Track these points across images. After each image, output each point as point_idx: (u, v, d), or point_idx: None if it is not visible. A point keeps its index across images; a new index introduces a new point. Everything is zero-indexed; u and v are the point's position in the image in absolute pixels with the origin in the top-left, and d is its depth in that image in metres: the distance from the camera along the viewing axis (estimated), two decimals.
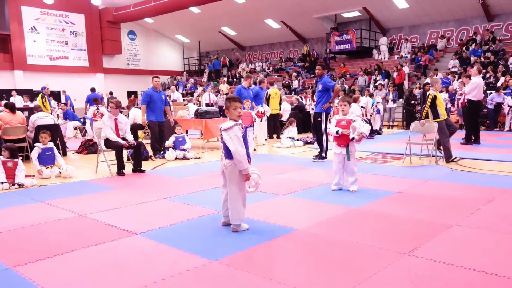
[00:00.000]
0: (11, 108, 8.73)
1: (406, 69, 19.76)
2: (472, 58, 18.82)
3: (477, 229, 4.00)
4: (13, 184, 6.44)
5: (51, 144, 7.55)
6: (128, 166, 7.75)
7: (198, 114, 11.15)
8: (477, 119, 10.85)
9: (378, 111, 14.90)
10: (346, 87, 19.53)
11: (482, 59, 18.41)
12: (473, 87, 10.45)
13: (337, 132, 5.61)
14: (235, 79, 26.85)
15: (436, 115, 7.91)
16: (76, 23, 27.14)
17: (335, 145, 5.76)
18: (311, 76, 23.61)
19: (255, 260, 3.35)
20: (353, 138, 5.57)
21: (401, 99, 17.75)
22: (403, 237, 3.81)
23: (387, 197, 5.35)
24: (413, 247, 3.52)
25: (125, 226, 4.28)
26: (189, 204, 5.16)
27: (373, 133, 13.48)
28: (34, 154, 7.33)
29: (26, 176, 6.85)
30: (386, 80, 19.68)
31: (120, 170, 7.27)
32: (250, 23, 26.50)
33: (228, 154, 3.94)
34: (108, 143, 7.38)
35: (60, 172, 7.32)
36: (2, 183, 6.36)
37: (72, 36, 27.07)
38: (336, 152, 5.74)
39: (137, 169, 7.50)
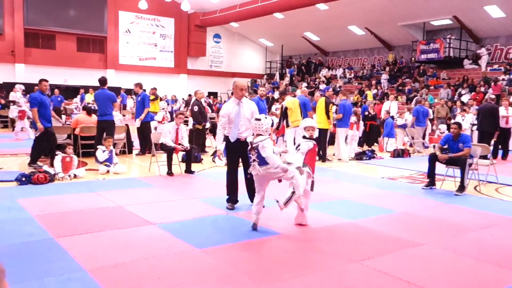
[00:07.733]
0: (88, 111, 10.60)
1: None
2: None
3: (442, 250, 4.45)
4: (69, 175, 7.59)
5: (111, 147, 8.72)
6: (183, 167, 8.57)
7: None
8: None
9: None
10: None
11: None
12: None
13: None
14: (314, 83, 27.15)
15: None
16: (166, 26, 29.51)
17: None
18: (391, 85, 23.40)
19: (233, 253, 4.23)
20: None
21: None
22: (364, 247, 4.46)
23: (389, 215, 5.83)
24: (365, 257, 4.14)
25: (147, 217, 5.33)
26: (208, 204, 6.05)
27: None
28: (99, 154, 8.56)
29: (86, 170, 8.29)
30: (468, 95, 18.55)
31: (169, 171, 8.31)
32: (333, 29, 26.66)
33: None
34: (162, 146, 8.51)
35: (109, 170, 8.29)
36: (58, 173, 7.52)
37: (161, 38, 29.48)
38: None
39: (187, 170, 8.53)
